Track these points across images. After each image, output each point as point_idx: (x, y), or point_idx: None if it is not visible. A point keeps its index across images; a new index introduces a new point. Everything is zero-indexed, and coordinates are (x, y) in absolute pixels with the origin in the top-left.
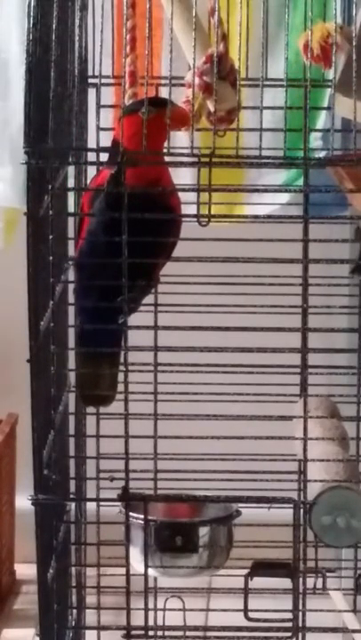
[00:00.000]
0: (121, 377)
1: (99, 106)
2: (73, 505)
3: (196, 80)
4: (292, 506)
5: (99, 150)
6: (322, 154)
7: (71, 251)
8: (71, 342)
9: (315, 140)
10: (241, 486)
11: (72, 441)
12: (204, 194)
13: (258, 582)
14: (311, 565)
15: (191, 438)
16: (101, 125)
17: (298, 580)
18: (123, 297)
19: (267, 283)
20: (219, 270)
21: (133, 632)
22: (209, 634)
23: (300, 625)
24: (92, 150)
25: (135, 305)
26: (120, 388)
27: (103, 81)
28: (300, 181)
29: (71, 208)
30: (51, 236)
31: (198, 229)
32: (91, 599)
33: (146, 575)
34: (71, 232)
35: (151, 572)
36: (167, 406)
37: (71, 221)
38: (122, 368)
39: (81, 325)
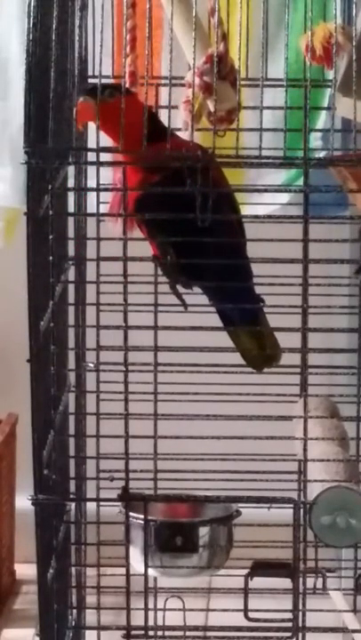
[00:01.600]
0: (121, 377)
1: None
2: (73, 505)
3: (196, 80)
4: (292, 506)
5: (99, 150)
6: (322, 154)
7: (71, 251)
8: (71, 342)
9: (315, 140)
10: (241, 486)
11: (72, 441)
12: None
13: (258, 582)
14: (311, 565)
15: (191, 438)
16: None
17: (298, 580)
18: None
19: (267, 283)
20: None
21: (133, 632)
22: (209, 634)
23: (300, 625)
24: (92, 150)
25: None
26: (120, 387)
27: (103, 81)
28: (300, 181)
29: (71, 208)
30: (51, 236)
31: None
32: (91, 599)
33: (146, 575)
34: (71, 232)
35: (151, 572)
36: (167, 406)
37: (71, 221)
38: (122, 368)
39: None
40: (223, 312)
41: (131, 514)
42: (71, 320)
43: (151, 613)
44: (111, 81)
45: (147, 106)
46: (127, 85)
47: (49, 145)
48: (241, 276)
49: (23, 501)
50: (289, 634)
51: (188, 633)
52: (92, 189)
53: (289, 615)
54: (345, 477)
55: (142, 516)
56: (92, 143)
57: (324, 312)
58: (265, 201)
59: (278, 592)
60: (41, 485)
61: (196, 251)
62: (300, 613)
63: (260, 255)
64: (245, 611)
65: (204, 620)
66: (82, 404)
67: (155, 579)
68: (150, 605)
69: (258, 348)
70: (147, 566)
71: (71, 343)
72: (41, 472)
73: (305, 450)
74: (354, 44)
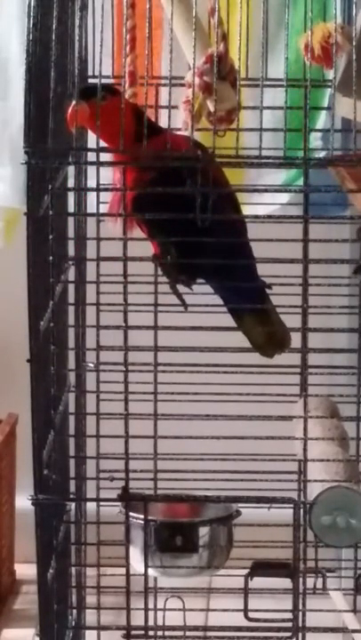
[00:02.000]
0: (121, 377)
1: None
2: (73, 505)
3: (196, 80)
4: (292, 506)
5: (99, 150)
6: (322, 154)
7: (71, 251)
8: (71, 342)
9: (315, 140)
10: (241, 486)
11: (72, 441)
12: None
13: (258, 582)
14: (311, 565)
15: (191, 438)
16: None
17: (298, 580)
18: None
19: (267, 283)
20: None
21: (133, 632)
22: (209, 634)
23: (300, 625)
24: (92, 150)
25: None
26: (120, 387)
27: (103, 81)
28: (300, 181)
29: (71, 208)
30: (51, 236)
31: None
32: (91, 599)
33: (146, 575)
34: (71, 232)
35: (151, 572)
36: (167, 406)
37: (71, 221)
38: (122, 368)
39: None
40: (228, 301)
41: (131, 514)
42: (71, 320)
43: (151, 613)
44: (111, 81)
45: (146, 105)
46: (127, 85)
47: (49, 145)
48: (243, 271)
49: (23, 501)
50: (289, 634)
51: (188, 633)
52: (92, 189)
53: (289, 615)
54: (345, 477)
55: (142, 516)
56: (92, 143)
57: (325, 312)
58: (265, 201)
59: (278, 592)
60: (41, 485)
61: (196, 249)
62: (300, 613)
63: (260, 255)
64: (245, 611)
65: (204, 620)
66: (82, 403)
67: (155, 579)
68: (150, 605)
69: (266, 334)
70: (147, 566)
71: (71, 343)
72: (41, 472)
73: (305, 450)
74: (353, 43)
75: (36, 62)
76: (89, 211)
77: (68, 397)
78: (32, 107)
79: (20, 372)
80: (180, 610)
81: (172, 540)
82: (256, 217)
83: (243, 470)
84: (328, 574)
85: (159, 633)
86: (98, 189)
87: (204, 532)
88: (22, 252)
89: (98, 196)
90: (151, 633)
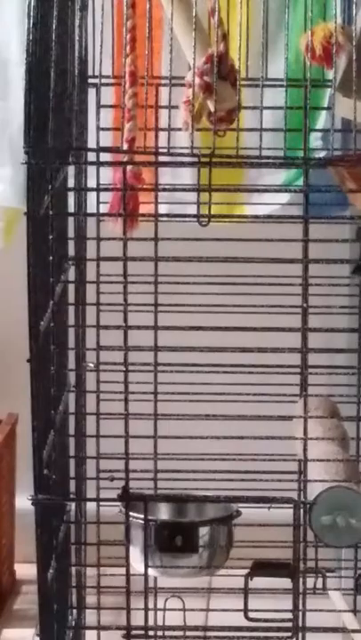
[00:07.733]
0: (121, 377)
1: (99, 106)
2: (73, 505)
3: (197, 80)
4: (292, 506)
5: (99, 150)
6: (322, 154)
7: (71, 251)
8: (71, 342)
9: (315, 140)
10: (241, 486)
11: (72, 441)
12: (204, 194)
13: (258, 582)
14: (311, 565)
15: (191, 438)
16: (101, 125)
17: (298, 580)
18: None
19: (267, 283)
20: (219, 270)
21: (133, 632)
22: (209, 634)
23: (300, 625)
24: (92, 150)
25: None
26: (120, 387)
27: (103, 81)
28: (300, 181)
29: (71, 208)
30: (51, 236)
31: (198, 229)
32: (91, 599)
33: (146, 575)
34: (71, 232)
35: (151, 572)
36: (167, 406)
37: (71, 221)
38: (122, 368)
39: None
40: None
41: (131, 514)
42: (71, 320)
43: (151, 613)
44: (111, 81)
45: (146, 105)
46: (127, 85)
47: (49, 145)
48: None
49: (23, 501)
50: (289, 634)
51: (188, 633)
52: (92, 189)
53: (289, 615)
54: (345, 477)
55: (142, 516)
56: (92, 143)
57: (324, 312)
58: (265, 201)
59: (278, 592)
60: (41, 485)
61: None
62: (300, 613)
63: (260, 255)
64: (245, 611)
65: (204, 619)
66: (82, 404)
67: (155, 579)
68: (150, 605)
69: None
70: (147, 566)
71: (71, 343)
72: (41, 472)
73: (305, 450)
74: (354, 43)
75: (36, 62)
76: (89, 211)
77: (68, 397)
78: (32, 107)
79: (20, 372)
80: (180, 610)
81: (172, 540)
82: (256, 217)
83: (243, 470)
84: (328, 574)
85: (159, 633)
86: (98, 189)
87: (204, 531)
88: (22, 252)
89: (98, 196)
90: (151, 633)
